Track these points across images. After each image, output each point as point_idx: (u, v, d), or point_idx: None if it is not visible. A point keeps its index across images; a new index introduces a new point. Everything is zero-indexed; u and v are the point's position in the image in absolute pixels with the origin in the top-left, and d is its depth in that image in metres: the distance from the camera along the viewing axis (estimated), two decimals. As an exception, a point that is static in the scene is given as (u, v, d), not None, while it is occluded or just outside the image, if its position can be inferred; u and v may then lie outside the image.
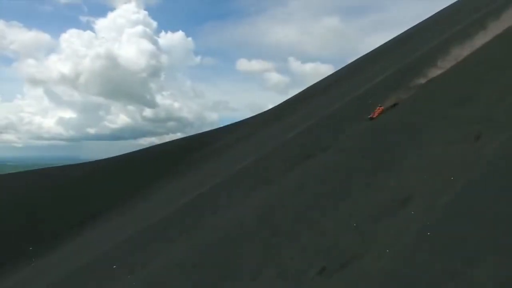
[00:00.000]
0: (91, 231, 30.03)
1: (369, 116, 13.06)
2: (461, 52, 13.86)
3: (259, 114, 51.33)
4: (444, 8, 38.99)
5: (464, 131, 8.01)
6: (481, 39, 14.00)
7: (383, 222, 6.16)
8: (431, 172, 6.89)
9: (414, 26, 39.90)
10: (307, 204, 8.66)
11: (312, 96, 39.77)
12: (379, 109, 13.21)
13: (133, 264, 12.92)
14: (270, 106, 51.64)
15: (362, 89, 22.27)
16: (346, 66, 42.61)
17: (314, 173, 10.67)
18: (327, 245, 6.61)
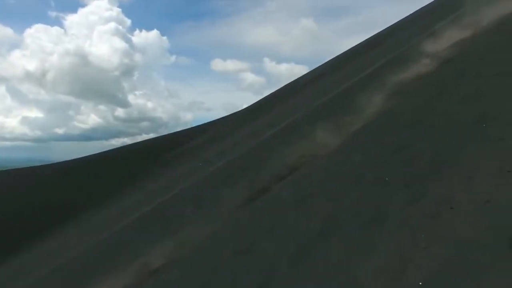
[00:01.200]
0: (47, 243, 25.65)
1: None
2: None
3: (233, 113, 48.06)
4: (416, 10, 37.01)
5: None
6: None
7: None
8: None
9: (388, 26, 37.81)
10: (316, 230, 5.26)
11: (288, 95, 36.84)
12: None
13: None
14: (245, 106, 48.45)
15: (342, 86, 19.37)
16: (321, 65, 39.95)
17: (314, 181, 7.28)
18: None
